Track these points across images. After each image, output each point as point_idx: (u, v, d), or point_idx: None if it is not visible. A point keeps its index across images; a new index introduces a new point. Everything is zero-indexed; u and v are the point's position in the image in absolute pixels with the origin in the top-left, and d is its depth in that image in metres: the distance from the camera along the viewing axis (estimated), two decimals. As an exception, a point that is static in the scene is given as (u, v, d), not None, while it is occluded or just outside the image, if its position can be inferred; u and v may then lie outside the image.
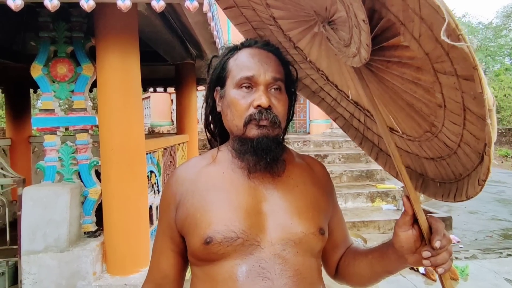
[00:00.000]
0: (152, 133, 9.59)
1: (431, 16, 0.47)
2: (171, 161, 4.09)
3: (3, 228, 2.84)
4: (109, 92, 2.58)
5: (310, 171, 0.88)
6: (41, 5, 2.10)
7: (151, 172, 3.31)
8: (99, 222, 2.74)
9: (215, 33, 3.04)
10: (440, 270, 0.67)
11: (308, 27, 0.81)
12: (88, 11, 2.14)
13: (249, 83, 0.78)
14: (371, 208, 5.51)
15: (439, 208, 5.62)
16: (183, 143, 4.81)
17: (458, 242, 4.59)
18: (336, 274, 0.94)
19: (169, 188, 0.84)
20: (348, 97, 0.95)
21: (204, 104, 0.89)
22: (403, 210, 0.73)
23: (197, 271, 0.79)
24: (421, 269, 3.58)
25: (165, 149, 3.85)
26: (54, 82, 2.71)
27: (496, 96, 16.43)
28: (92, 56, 2.70)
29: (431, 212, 5.06)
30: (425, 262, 0.68)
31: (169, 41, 3.70)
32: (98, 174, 2.79)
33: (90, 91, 3.11)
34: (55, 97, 2.72)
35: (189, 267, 0.86)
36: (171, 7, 2.77)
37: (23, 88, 4.80)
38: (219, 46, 3.34)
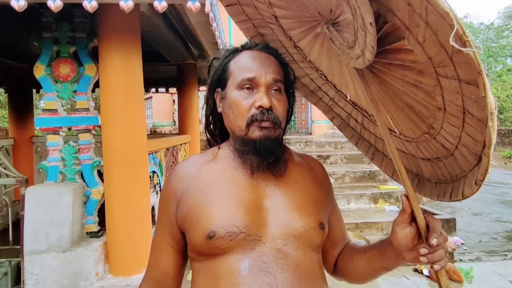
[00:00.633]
0: (154, 134, 9.62)
1: (437, 22, 0.48)
2: (173, 161, 4.10)
3: (5, 228, 2.85)
4: (111, 92, 2.59)
5: (309, 169, 0.90)
6: (44, 5, 2.11)
7: (153, 172, 3.32)
8: (102, 222, 2.75)
9: (217, 33, 3.05)
10: (436, 266, 0.69)
11: (310, 27, 0.81)
12: (91, 12, 2.14)
13: (250, 85, 0.79)
14: (374, 209, 5.49)
15: (443, 209, 5.59)
16: (185, 143, 4.82)
17: (462, 244, 4.56)
18: (334, 271, 0.95)
19: (169, 184, 0.85)
20: (346, 97, 0.96)
21: (205, 105, 0.91)
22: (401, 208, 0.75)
23: (198, 267, 0.79)
24: (425, 271, 3.57)
25: (167, 149, 3.86)
26: (57, 82, 2.72)
27: (498, 97, 16.36)
28: (94, 56, 2.71)
29: (434, 214, 5.04)
30: (422, 258, 0.70)
31: (171, 42, 3.71)
32: (100, 174, 2.80)
33: (93, 91, 3.12)
34: (58, 97, 2.73)
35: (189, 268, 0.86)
36: (173, 8, 2.78)
37: (26, 88, 4.83)
38: (221, 47, 3.34)
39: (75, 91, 2.73)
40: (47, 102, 2.72)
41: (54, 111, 2.71)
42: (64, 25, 2.69)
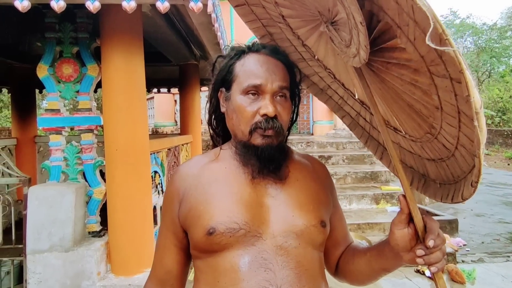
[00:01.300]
0: (156, 134, 9.64)
1: (423, 21, 0.48)
2: (175, 162, 4.11)
3: (8, 227, 2.86)
4: (113, 93, 2.60)
5: (310, 168, 0.90)
6: (48, 6, 2.13)
7: (155, 172, 3.32)
8: (104, 222, 2.75)
9: (219, 34, 3.05)
10: (433, 268, 0.68)
11: (314, 26, 0.82)
12: (94, 12, 2.16)
13: (256, 91, 0.80)
14: (376, 210, 5.48)
15: (445, 210, 5.57)
16: (187, 143, 4.83)
17: (464, 245, 4.54)
18: (336, 271, 0.95)
19: (172, 184, 0.86)
20: (355, 95, 0.96)
21: (208, 103, 0.91)
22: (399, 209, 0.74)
23: (200, 264, 0.80)
24: (427, 273, 3.55)
25: (169, 149, 3.87)
26: (59, 82, 2.73)
27: (501, 98, 16.27)
28: (97, 56, 2.72)
29: (436, 215, 5.02)
30: (418, 260, 0.69)
31: (173, 42, 3.72)
32: (102, 174, 2.81)
33: (95, 91, 3.13)
34: (61, 97, 2.74)
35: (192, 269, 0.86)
36: (175, 8, 2.78)
37: (29, 88, 4.84)
38: (223, 47, 3.35)
39: (77, 91, 2.74)
40: (49, 102, 2.74)
41: (56, 111, 2.72)
42: (67, 26, 2.70)
